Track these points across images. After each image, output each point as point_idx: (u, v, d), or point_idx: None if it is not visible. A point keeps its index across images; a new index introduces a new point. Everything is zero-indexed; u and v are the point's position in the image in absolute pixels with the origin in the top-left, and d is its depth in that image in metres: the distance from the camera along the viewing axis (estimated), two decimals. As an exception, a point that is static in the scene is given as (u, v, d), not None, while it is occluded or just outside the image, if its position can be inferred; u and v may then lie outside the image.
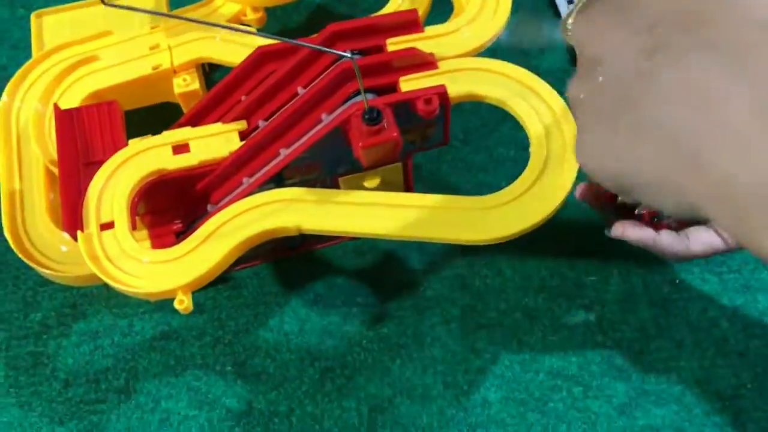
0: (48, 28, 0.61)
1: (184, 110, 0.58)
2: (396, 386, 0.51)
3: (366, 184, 0.50)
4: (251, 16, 0.59)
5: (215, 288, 0.55)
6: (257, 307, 0.54)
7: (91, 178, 0.48)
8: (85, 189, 0.47)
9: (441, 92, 0.43)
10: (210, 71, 0.62)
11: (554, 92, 0.45)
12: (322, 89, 0.45)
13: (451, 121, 0.60)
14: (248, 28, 0.58)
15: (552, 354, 0.51)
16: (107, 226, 0.46)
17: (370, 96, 0.45)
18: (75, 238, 0.45)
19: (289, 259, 0.56)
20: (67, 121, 0.50)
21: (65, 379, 0.52)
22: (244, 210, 0.45)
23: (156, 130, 0.51)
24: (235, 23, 0.58)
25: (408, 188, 0.52)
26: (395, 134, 0.42)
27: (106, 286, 0.54)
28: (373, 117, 0.41)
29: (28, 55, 0.65)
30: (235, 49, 0.56)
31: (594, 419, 0.48)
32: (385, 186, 0.50)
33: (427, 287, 0.54)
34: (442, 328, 0.52)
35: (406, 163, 0.50)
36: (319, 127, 0.45)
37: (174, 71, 0.56)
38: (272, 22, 0.65)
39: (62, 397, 0.51)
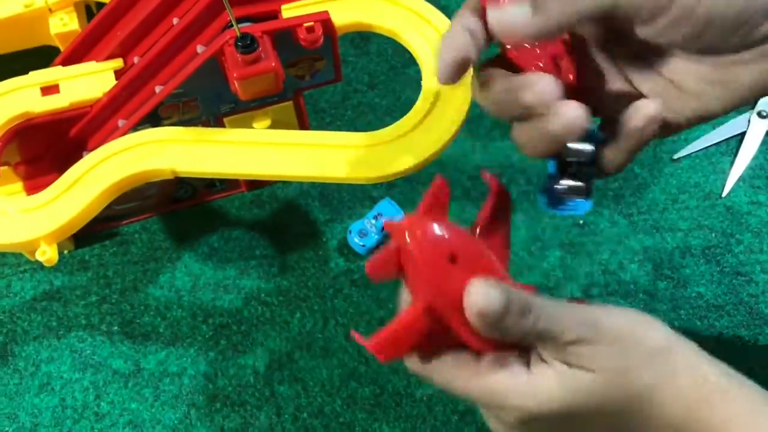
0: None
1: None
2: (295, 340, 0.48)
3: (255, 125, 0.47)
4: (135, -50, 0.54)
5: (101, 244, 0.51)
6: (146, 263, 0.51)
7: (-53, 123, 0.43)
8: (-60, 135, 0.43)
9: (324, 19, 0.40)
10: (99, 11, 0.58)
11: (449, 22, 0.42)
12: (196, 19, 0.41)
13: (358, 65, 0.58)
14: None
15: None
16: (-36, 174, 0.42)
17: (247, 24, 0.41)
18: (-74, 188, 0.41)
19: (182, 212, 0.52)
20: None
21: (-66, 346, 0.48)
22: (114, 153, 0.41)
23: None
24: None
25: (303, 128, 0.49)
26: (273, 64, 0.39)
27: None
28: (246, 44, 0.38)
29: None
30: (115, -15, 0.52)
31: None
32: (277, 128, 0.47)
33: (330, 238, 0.51)
34: (345, 279, 0.50)
35: (298, 101, 0.46)
36: (196, 59, 0.41)
37: (49, 10, 0.52)
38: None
39: (-70, 365, 0.47)
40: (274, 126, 0.47)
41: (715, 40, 0.28)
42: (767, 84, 0.29)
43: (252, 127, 0.46)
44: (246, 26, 0.40)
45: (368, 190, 0.53)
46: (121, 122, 0.44)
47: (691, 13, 0.27)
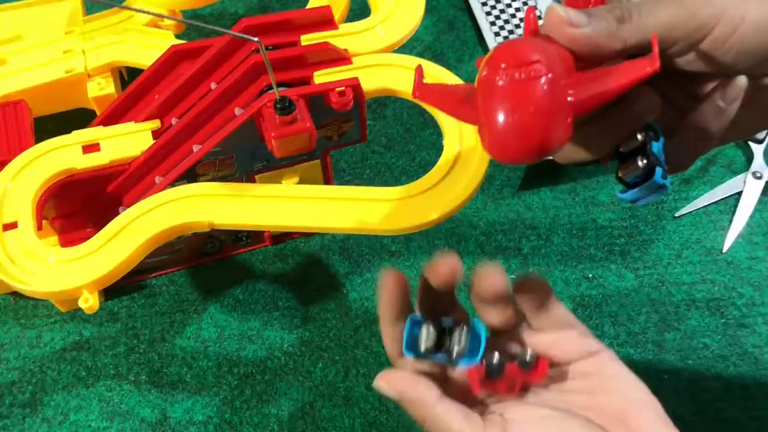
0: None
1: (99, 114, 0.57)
2: (318, 390, 0.49)
3: (284, 182, 0.49)
4: (168, 21, 0.58)
5: (130, 297, 0.53)
6: (173, 314, 0.52)
7: (-6, 178, 0.46)
8: (-12, 189, 0.45)
9: (354, 84, 0.43)
10: (128, 78, 0.61)
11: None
12: (235, 84, 0.45)
13: (375, 128, 0.61)
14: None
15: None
16: (10, 226, 0.44)
17: (282, 89, 0.44)
18: (-25, 240, 0.43)
19: (207, 265, 0.54)
20: (-31, 121, 0.48)
21: (-35, 395, 0.49)
22: (154, 206, 0.44)
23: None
24: (152, 27, 0.57)
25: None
26: (308, 124, 0.42)
27: (13, 294, 0.52)
28: (285, 106, 0.41)
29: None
30: (149, 52, 0.55)
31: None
32: (304, 183, 0.49)
33: (350, 290, 0.53)
34: (365, 330, 0.52)
35: (325, 160, 0.49)
36: (234, 120, 0.44)
37: (88, 75, 0.55)
38: (191, 31, 0.64)
39: (-38, 414, 0.48)
40: (301, 182, 0.49)
41: (747, 67, 0.31)
42: None
43: (281, 183, 0.49)
44: (282, 90, 0.43)
45: (386, 244, 0.55)
46: (158, 179, 0.47)
47: (725, 42, 0.30)
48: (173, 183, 0.46)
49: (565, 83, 0.28)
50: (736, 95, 0.31)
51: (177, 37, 0.56)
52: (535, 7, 0.34)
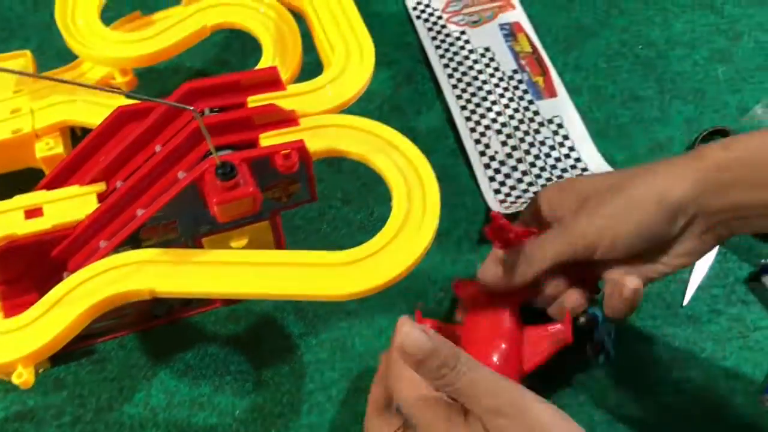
0: None
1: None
2: (269, 459, 0.48)
3: (233, 244, 0.48)
4: (120, 79, 0.57)
5: (77, 362, 0.52)
6: (122, 380, 0.51)
7: (-69, 246, 0.44)
8: (-76, 258, 0.44)
9: (299, 147, 0.42)
10: (81, 136, 0.60)
11: (414, 147, 0.45)
12: (178, 147, 0.44)
13: (331, 182, 0.60)
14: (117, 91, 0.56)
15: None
16: (-55, 296, 0.42)
17: (227, 152, 0.44)
18: None
19: (158, 329, 0.53)
20: None
21: None
22: (94, 274, 0.42)
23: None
24: (104, 86, 0.57)
25: (279, 247, 0.50)
26: (251, 189, 0.41)
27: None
28: (226, 172, 0.40)
29: None
30: (98, 111, 0.54)
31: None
32: (254, 246, 0.48)
33: (305, 351, 0.52)
34: (321, 394, 0.50)
35: (274, 221, 0.48)
36: (177, 184, 0.43)
37: (36, 135, 0.54)
38: (148, 85, 0.63)
39: None
40: (250, 244, 0.48)
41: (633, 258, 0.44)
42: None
43: (230, 247, 0.48)
44: (226, 154, 0.42)
45: (343, 303, 0.54)
46: (102, 243, 0.46)
47: (611, 246, 0.43)
48: (116, 248, 0.45)
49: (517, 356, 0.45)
50: (629, 294, 0.43)
51: (129, 96, 0.56)
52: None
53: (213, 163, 0.41)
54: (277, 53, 0.54)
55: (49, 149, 0.54)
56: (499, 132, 0.62)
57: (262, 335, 0.53)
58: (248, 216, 0.44)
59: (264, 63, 0.55)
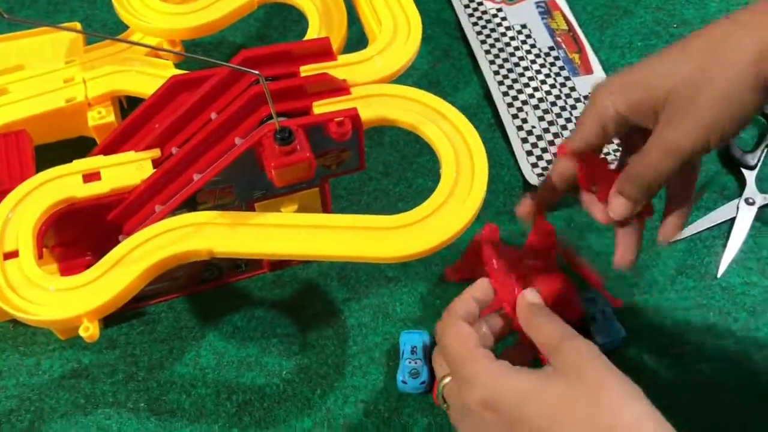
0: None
1: (99, 143, 0.57)
2: (316, 417, 0.49)
3: (283, 210, 0.50)
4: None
5: (128, 324, 0.53)
6: (172, 341, 0.53)
7: (-5, 207, 0.46)
8: (-11, 218, 0.46)
9: (353, 115, 0.44)
10: (128, 107, 0.62)
11: (463, 117, 0.46)
12: (235, 114, 0.45)
13: (372, 155, 0.62)
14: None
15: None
16: (11, 255, 0.44)
17: (282, 119, 0.45)
18: (-25, 268, 0.44)
19: (206, 292, 0.55)
20: (-29, 149, 0.48)
21: (-37, 424, 0.49)
22: (154, 235, 0.44)
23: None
24: (152, 57, 0.58)
25: (326, 213, 0.52)
26: (308, 154, 0.42)
27: (12, 321, 0.52)
28: (285, 137, 0.42)
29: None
30: (149, 81, 0.56)
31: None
32: (303, 211, 0.50)
33: (348, 316, 0.54)
34: (364, 356, 0.52)
35: (323, 188, 0.50)
36: (234, 150, 0.45)
37: (89, 104, 0.56)
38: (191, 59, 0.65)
39: (-41, 443, 0.48)
40: (300, 210, 0.50)
41: None
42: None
43: (280, 211, 0.50)
44: (282, 120, 0.43)
45: (384, 270, 0.56)
46: (158, 207, 0.47)
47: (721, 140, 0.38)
48: (173, 211, 0.46)
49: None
50: None
51: (177, 66, 0.57)
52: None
53: (271, 129, 0.42)
54: (323, 26, 0.55)
55: (101, 118, 0.55)
56: (536, 107, 0.63)
57: (307, 300, 0.55)
58: (302, 181, 0.45)
59: (310, 35, 0.56)
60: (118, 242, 0.49)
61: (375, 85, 0.47)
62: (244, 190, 0.47)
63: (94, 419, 0.49)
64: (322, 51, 0.48)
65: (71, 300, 0.42)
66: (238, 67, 0.39)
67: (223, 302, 0.54)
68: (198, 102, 0.48)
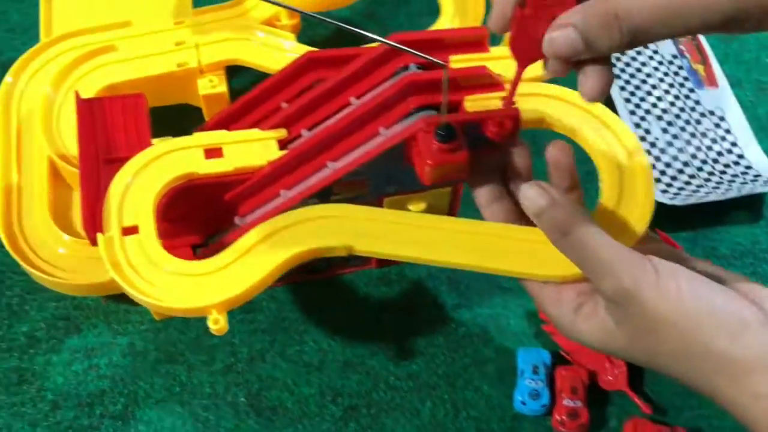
0: (59, 11, 0.56)
1: (206, 113, 0.54)
2: (426, 429, 0.46)
3: (411, 207, 0.47)
4: (286, 21, 0.55)
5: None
6: (274, 333, 0.50)
7: (111, 176, 0.43)
8: (105, 188, 0.42)
9: (514, 115, 0.40)
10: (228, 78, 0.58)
11: (628, 130, 0.43)
12: (384, 101, 0.42)
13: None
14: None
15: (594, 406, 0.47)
16: (130, 230, 0.41)
17: (431, 113, 0.41)
18: (94, 242, 0.40)
19: (309, 283, 0.52)
20: (88, 111, 0.45)
21: (53, 401, 0.46)
22: (290, 224, 0.41)
23: (171, 133, 0.46)
24: (269, 27, 0.55)
25: (452, 215, 0.49)
26: (467, 153, 0.39)
27: (105, 297, 0.49)
28: (447, 134, 0.38)
29: (26, 41, 0.60)
30: (267, 53, 0.53)
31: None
32: (430, 211, 0.47)
33: (459, 325, 0.51)
34: (476, 370, 0.49)
35: (457, 189, 0.46)
36: (378, 140, 0.42)
37: (201, 71, 0.52)
38: (305, 32, 0.61)
39: (48, 421, 0.45)
40: (428, 207, 0.47)
41: None
42: None
43: (407, 209, 0.46)
44: (430, 115, 0.40)
45: (497, 278, 0.52)
46: (283, 192, 0.44)
47: None
48: (304, 200, 0.43)
49: None
50: None
51: (298, 40, 0.54)
52: None
53: (430, 123, 0.39)
54: (457, 14, 0.52)
55: (212, 87, 0.52)
56: (659, 118, 0.60)
57: (415, 302, 0.52)
58: (453, 181, 0.42)
59: (442, 23, 0.52)
60: (230, 224, 0.46)
61: (533, 83, 0.44)
62: (379, 183, 0.44)
63: (190, 410, 0.46)
64: (476, 41, 0.44)
65: (199, 288, 0.39)
66: (428, 57, 0.36)
67: (327, 295, 0.51)
68: (338, 83, 0.44)
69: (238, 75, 0.57)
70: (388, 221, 0.41)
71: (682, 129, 0.59)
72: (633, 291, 0.34)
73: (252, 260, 0.40)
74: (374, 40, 0.37)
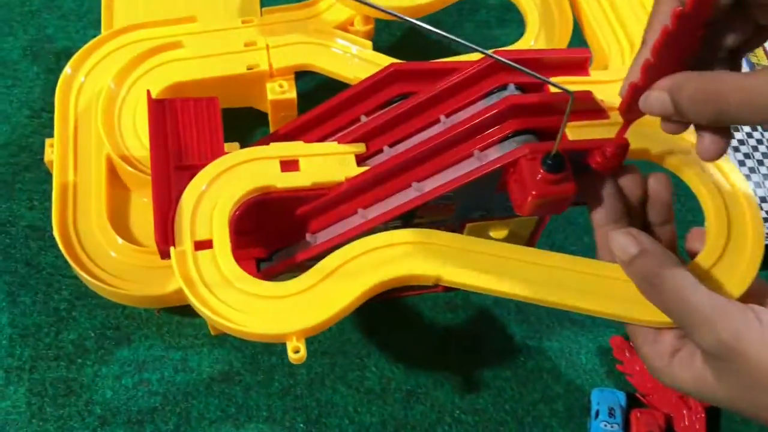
0: (121, 1, 0.53)
1: (271, 119, 0.51)
2: (493, 469, 0.44)
3: (492, 234, 0.44)
4: (360, 27, 0.52)
5: (286, 327, 0.48)
6: (334, 356, 0.47)
7: (181, 185, 0.40)
8: (175, 197, 0.40)
9: (624, 145, 0.38)
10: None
11: (736, 168, 0.40)
12: (482, 122, 0.39)
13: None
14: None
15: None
16: (203, 244, 0.38)
17: (531, 138, 0.39)
18: (165, 255, 0.38)
19: (372, 304, 0.49)
20: (160, 114, 0.42)
21: (101, 416, 0.43)
22: (374, 248, 0.38)
23: (231, 137, 0.44)
24: (342, 31, 0.52)
25: (531, 244, 0.46)
26: (573, 185, 0.36)
27: (159, 308, 0.47)
28: (557, 163, 0.36)
29: (79, 29, 0.58)
30: (342, 60, 0.50)
31: None
32: (511, 239, 0.44)
33: (528, 358, 0.48)
34: (545, 407, 0.46)
35: (543, 218, 0.44)
36: (472, 163, 0.39)
37: (271, 75, 0.49)
38: (379, 39, 0.58)
39: (96, 438, 0.43)
40: (510, 235, 0.44)
41: None
42: None
43: (488, 236, 0.44)
44: (532, 142, 0.38)
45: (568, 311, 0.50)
46: (360, 211, 0.41)
47: None
48: (387, 222, 0.40)
49: None
50: None
51: (375, 48, 0.51)
52: None
53: (533, 150, 0.37)
54: (542, 32, 0.49)
55: (282, 92, 0.49)
56: (736, 150, 0.57)
57: (482, 332, 0.49)
58: (549, 214, 0.40)
59: (526, 41, 0.50)
60: (298, 239, 0.44)
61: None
62: (466, 209, 0.41)
63: (246, 434, 0.44)
64: (578, 64, 0.42)
65: (278, 311, 0.36)
66: (553, 82, 0.33)
67: (391, 318, 0.49)
68: (429, 99, 0.41)
69: (300, 79, 0.54)
70: (478, 252, 0.38)
71: (760, 162, 0.57)
72: (734, 345, 0.32)
73: (336, 285, 0.37)
74: (473, 51, 0.34)
